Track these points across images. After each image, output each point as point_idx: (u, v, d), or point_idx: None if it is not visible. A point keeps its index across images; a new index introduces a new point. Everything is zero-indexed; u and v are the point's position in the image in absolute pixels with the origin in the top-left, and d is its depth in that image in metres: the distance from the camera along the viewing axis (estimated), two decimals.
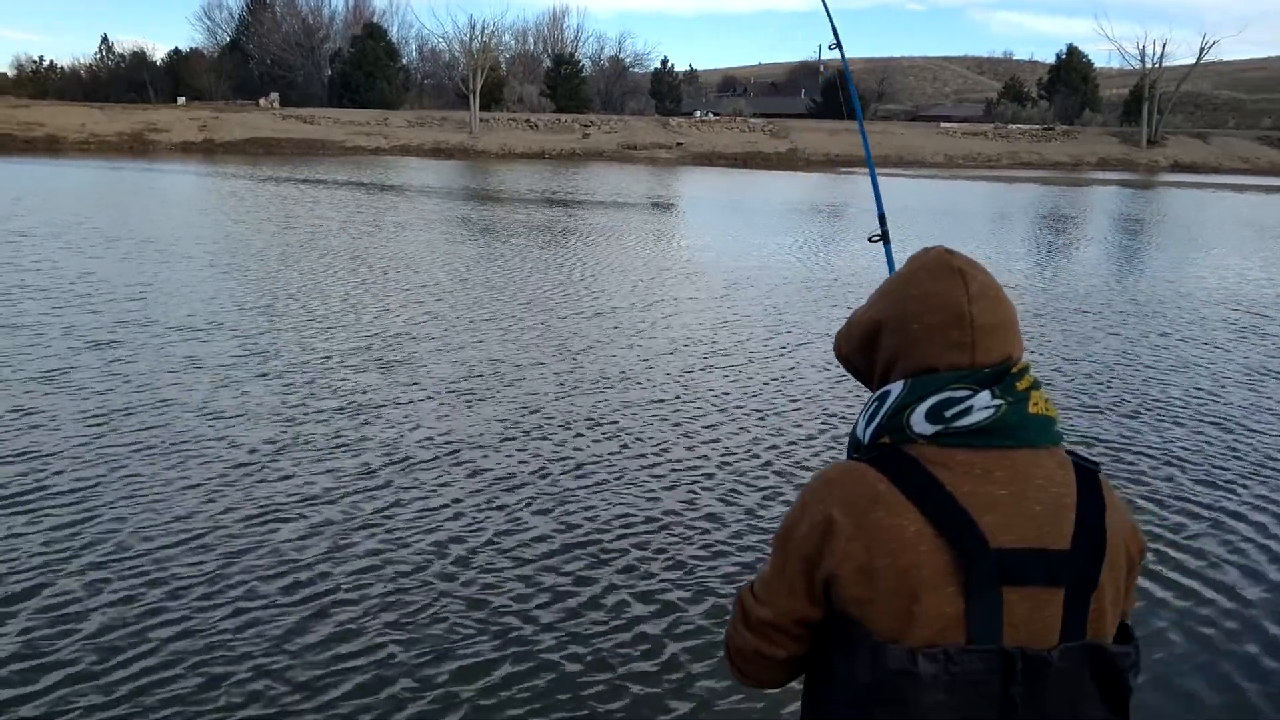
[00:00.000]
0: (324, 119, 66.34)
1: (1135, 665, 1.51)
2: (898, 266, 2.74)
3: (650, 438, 7.01)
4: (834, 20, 3.81)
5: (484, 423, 7.24)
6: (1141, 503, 5.99)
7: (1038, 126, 77.31)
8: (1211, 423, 7.73)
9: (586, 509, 5.68)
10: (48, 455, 6.24)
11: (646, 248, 18.20)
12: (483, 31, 74.84)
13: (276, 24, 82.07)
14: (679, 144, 67.52)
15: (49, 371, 8.22)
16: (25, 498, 5.53)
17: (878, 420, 1.55)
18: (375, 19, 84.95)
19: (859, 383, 1.72)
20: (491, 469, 6.29)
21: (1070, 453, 1.55)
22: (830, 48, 3.79)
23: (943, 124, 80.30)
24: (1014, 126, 77.36)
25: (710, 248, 18.18)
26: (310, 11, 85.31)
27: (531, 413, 7.50)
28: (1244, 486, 6.34)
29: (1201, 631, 4.52)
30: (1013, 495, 1.46)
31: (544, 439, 6.91)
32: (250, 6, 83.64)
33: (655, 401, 7.91)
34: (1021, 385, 1.50)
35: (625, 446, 6.83)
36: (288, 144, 60.68)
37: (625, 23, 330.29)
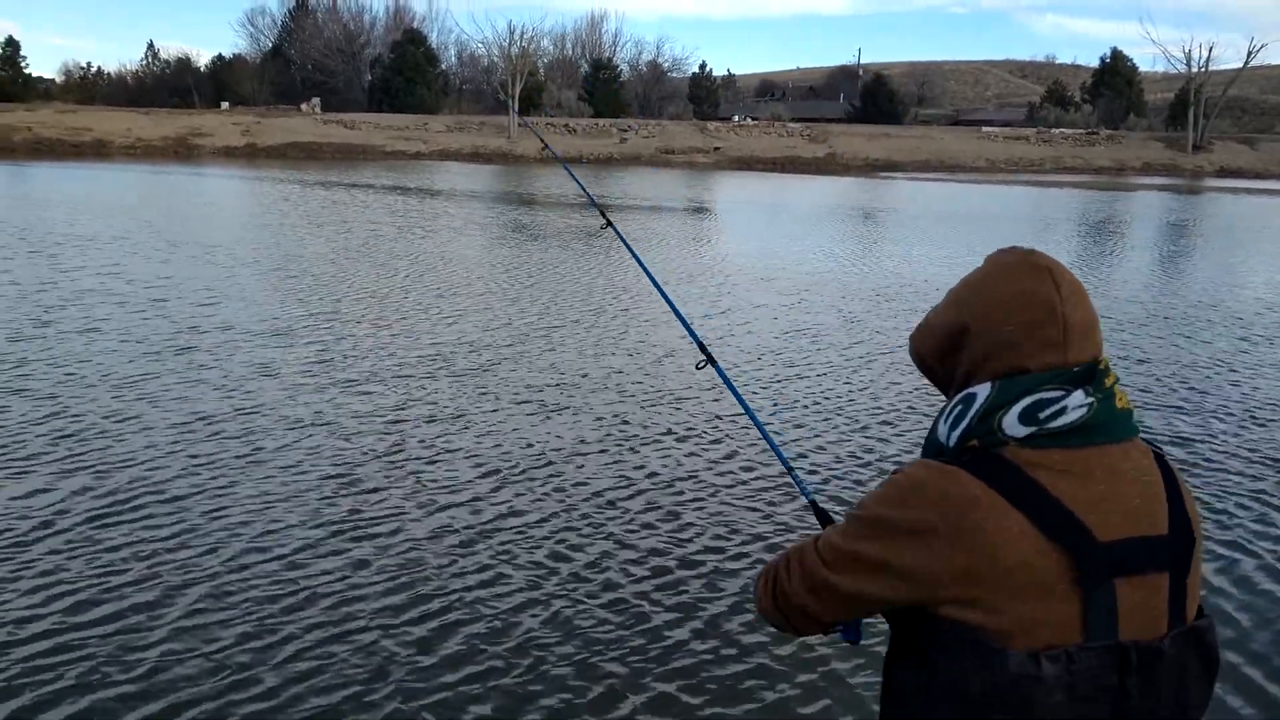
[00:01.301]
0: (364, 124, 66.96)
1: (1217, 635, 1.54)
2: (734, 382, 2.72)
3: (742, 453, 6.95)
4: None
5: (568, 432, 7.20)
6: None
7: (1081, 131, 76.53)
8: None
9: (688, 524, 5.63)
10: (143, 463, 6.27)
11: (705, 252, 18.17)
12: (521, 36, 75.33)
13: (318, 30, 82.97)
14: (717, 149, 67.47)
15: (136, 377, 8.28)
16: (122, 509, 5.52)
17: (965, 423, 1.52)
18: (415, 25, 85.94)
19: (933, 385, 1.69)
20: (585, 482, 6.24)
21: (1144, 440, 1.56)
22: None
23: (984, 128, 79.67)
24: (1057, 131, 76.63)
25: (773, 253, 18.08)
26: (351, 17, 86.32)
27: (622, 423, 7.44)
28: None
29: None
30: (1111, 490, 1.46)
31: (633, 451, 6.85)
32: (292, 13, 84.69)
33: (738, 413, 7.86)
34: (1108, 382, 1.50)
35: (721, 460, 6.77)
36: (329, 149, 61.28)
37: (664, 27, 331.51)
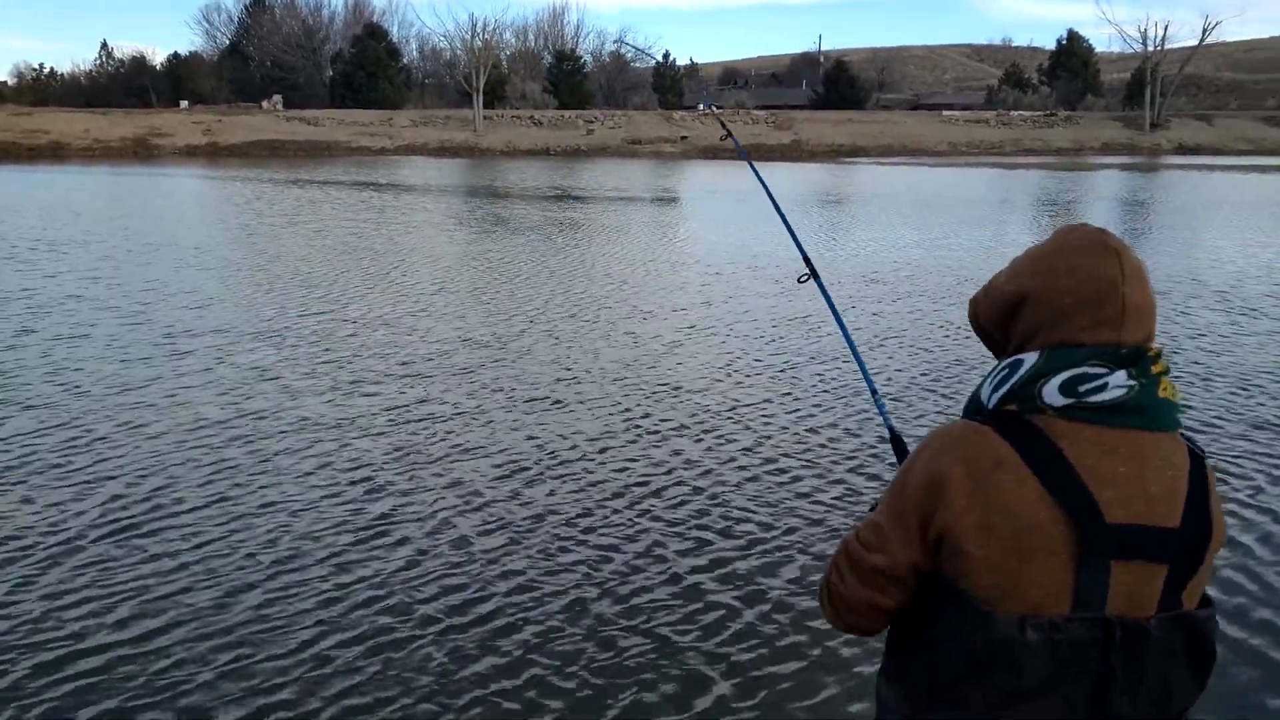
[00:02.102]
0: (328, 120, 66.32)
1: (1215, 629, 1.58)
2: (834, 299, 2.85)
3: (766, 445, 7.07)
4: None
5: (590, 422, 7.28)
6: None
7: (1040, 113, 77.26)
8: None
9: (734, 510, 5.74)
10: (158, 473, 6.28)
11: (697, 238, 18.28)
12: (484, 29, 74.86)
13: (276, 26, 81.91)
14: (683, 138, 67.49)
15: (138, 384, 8.26)
16: (146, 523, 5.53)
17: (1008, 387, 1.58)
18: (375, 19, 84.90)
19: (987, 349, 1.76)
20: (619, 469, 6.33)
21: (1184, 437, 1.60)
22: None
23: (945, 112, 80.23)
24: (1016, 113, 77.31)
25: (763, 241, 18.19)
26: (310, 13, 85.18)
27: (643, 414, 7.52)
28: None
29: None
30: (1132, 473, 1.50)
31: (662, 438, 6.96)
32: (249, 9, 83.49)
33: (750, 403, 7.97)
34: (1156, 369, 1.54)
35: (743, 452, 6.88)
36: (292, 146, 60.70)
37: (626, 18, 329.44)
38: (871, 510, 1.69)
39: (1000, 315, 1.67)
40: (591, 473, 6.18)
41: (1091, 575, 1.48)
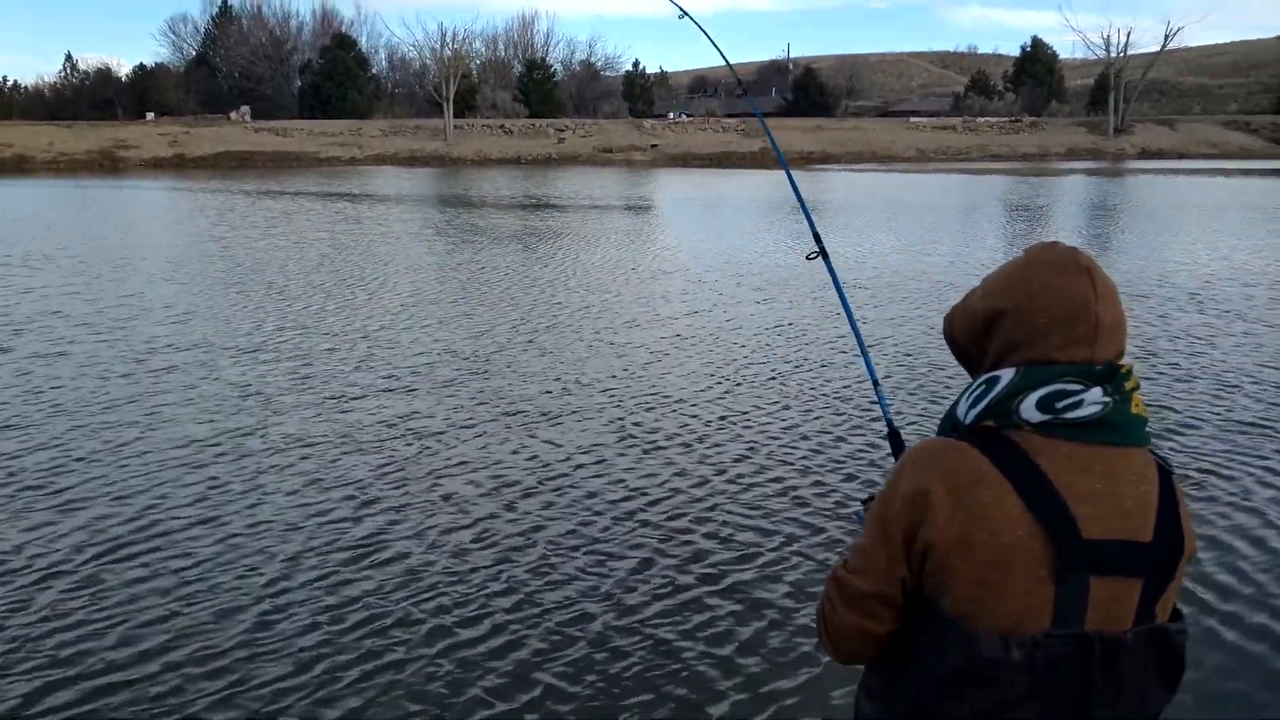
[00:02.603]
0: (297, 131, 65.97)
1: (1186, 642, 1.62)
2: (840, 279, 2.91)
3: (758, 452, 7.07)
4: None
5: (578, 435, 7.25)
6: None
7: (1006, 119, 78.08)
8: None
9: (721, 524, 5.74)
10: (146, 493, 6.20)
11: (676, 246, 18.28)
12: (453, 39, 74.76)
13: (243, 36, 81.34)
14: (654, 146, 67.70)
15: (123, 401, 8.16)
16: (129, 542, 5.48)
17: (985, 403, 1.59)
18: (344, 29, 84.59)
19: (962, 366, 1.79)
20: (599, 491, 6.30)
21: (1151, 452, 1.63)
22: (679, 18, 3.82)
23: (912, 119, 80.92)
24: (982, 119, 78.10)
25: (738, 249, 18.22)
26: (277, 23, 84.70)
27: (634, 424, 7.53)
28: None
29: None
30: (1107, 489, 1.53)
31: (649, 451, 6.95)
32: (215, 20, 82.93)
33: (730, 415, 7.98)
34: (1128, 385, 1.56)
35: (735, 462, 6.88)
36: (261, 157, 60.34)
37: (595, 26, 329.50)
38: (855, 539, 1.71)
39: (976, 332, 1.69)
40: (587, 485, 6.16)
41: (1070, 591, 1.50)
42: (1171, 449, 6.76)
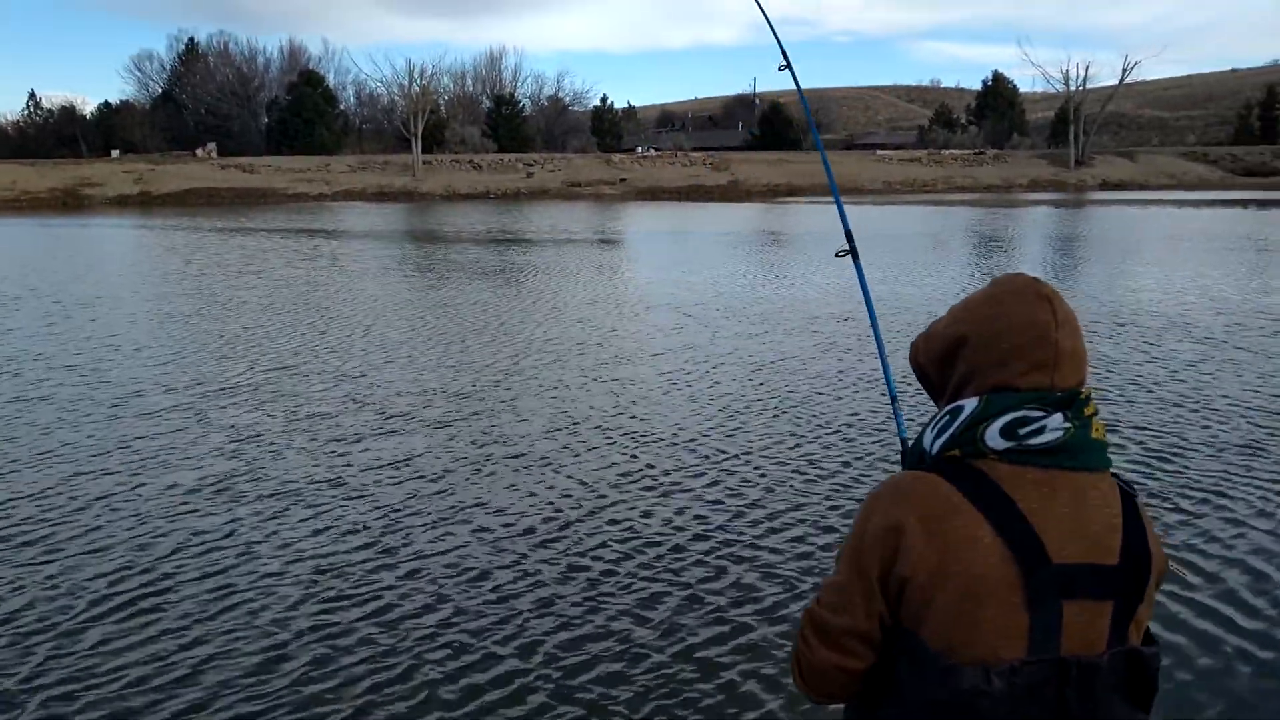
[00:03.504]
0: (264, 167, 65.74)
1: (1159, 665, 1.64)
2: (868, 281, 2.93)
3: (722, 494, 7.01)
4: (782, 43, 3.88)
5: (578, 481, 7.17)
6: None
7: (969, 151, 79.25)
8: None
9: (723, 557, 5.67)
10: (139, 544, 6.04)
11: (658, 278, 18.27)
12: (421, 75, 74.94)
13: (210, 74, 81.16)
14: (622, 180, 68.00)
15: (111, 448, 7.99)
16: (139, 598, 5.34)
17: (950, 433, 1.62)
18: (311, 65, 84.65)
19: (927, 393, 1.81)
20: (613, 534, 6.23)
21: (1114, 475, 1.66)
22: (780, 69, 3.80)
23: (879, 151, 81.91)
24: (947, 152, 79.22)
25: (725, 281, 18.23)
26: (244, 60, 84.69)
27: (648, 467, 7.44)
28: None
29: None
30: (1073, 514, 1.55)
31: (648, 496, 6.88)
32: (182, 57, 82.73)
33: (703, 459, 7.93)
34: (1088, 411, 1.59)
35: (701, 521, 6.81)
36: (228, 194, 60.00)
37: (563, 62, 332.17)
38: (828, 577, 1.71)
39: (940, 358, 1.72)
40: (600, 529, 6.06)
41: (1044, 616, 1.51)
42: (1164, 471, 6.79)
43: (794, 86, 3.73)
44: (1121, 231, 31.22)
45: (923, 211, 44.22)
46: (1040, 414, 1.56)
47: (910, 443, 2.25)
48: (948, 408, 1.65)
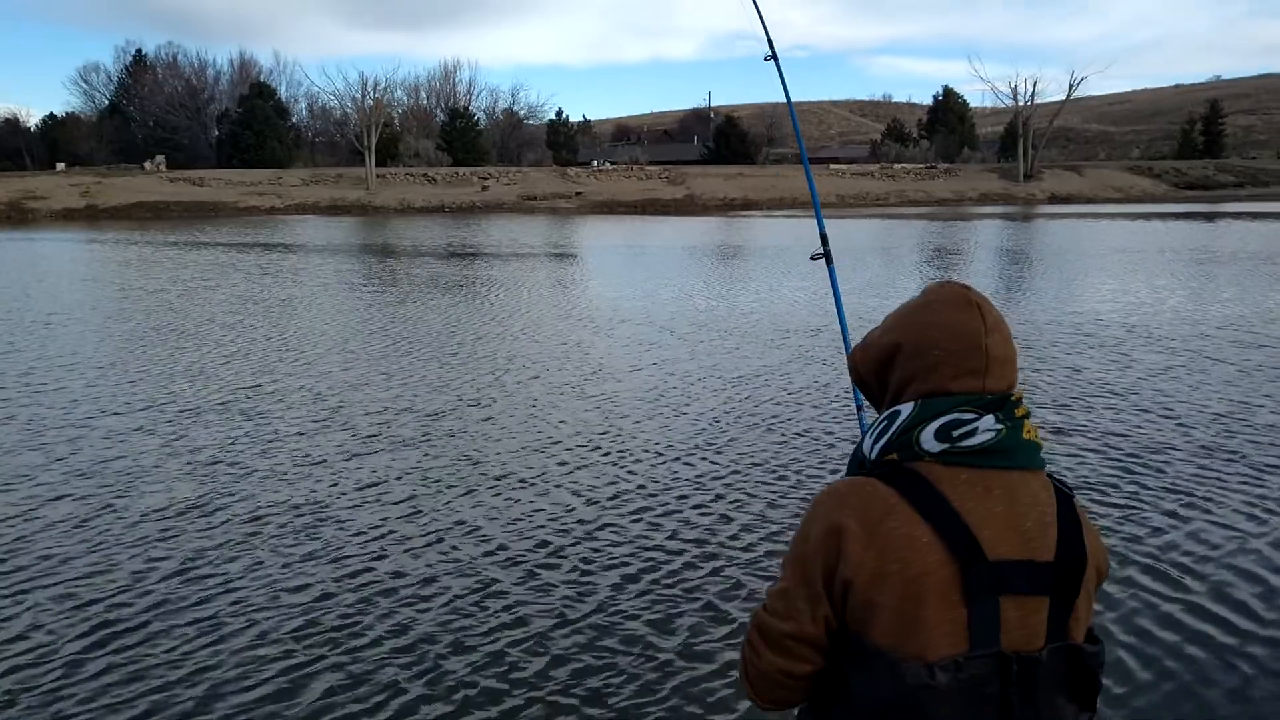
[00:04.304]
0: (214, 180, 64.91)
1: (1103, 663, 1.68)
2: (840, 284, 2.97)
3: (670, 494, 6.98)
4: (769, 31, 3.91)
5: (565, 501, 7.10)
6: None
7: (921, 165, 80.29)
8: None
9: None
10: (113, 571, 5.88)
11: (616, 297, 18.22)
12: (374, 88, 74.49)
13: (158, 86, 79.98)
14: (578, 193, 68.02)
15: (81, 472, 7.77)
16: (124, 630, 5.20)
17: (887, 438, 1.67)
18: (262, 78, 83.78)
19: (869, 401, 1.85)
20: (607, 555, 6.16)
21: (1050, 476, 1.70)
22: (766, 59, 3.84)
23: (832, 165, 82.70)
24: (899, 166, 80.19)
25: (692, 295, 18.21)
26: (194, 72, 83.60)
27: (639, 487, 7.38)
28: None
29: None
30: (1007, 512, 1.59)
31: (643, 516, 6.81)
32: (129, 69, 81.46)
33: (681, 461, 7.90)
34: (1019, 413, 1.65)
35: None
36: (177, 207, 59.14)
37: (518, 75, 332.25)
38: (772, 585, 1.73)
39: (877, 367, 1.76)
40: (595, 547, 5.99)
41: (982, 612, 1.55)
42: (1144, 475, 6.86)
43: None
44: (1071, 243, 31.74)
45: (876, 225, 44.68)
46: (972, 416, 1.61)
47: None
48: (886, 413, 1.70)
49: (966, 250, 30.60)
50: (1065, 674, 1.61)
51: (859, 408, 2.66)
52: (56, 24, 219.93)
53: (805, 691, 1.70)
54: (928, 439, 1.61)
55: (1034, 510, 1.61)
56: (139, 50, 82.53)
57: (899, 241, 34.05)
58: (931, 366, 1.65)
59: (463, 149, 77.41)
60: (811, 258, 3.23)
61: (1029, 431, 1.65)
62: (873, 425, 1.72)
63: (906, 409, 1.66)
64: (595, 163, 78.87)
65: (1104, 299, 17.44)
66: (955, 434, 1.60)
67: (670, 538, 6.12)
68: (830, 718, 1.67)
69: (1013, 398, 1.65)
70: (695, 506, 6.70)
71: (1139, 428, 8.63)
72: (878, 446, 1.68)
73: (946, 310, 1.67)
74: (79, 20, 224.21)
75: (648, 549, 5.95)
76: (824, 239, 3.03)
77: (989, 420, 1.60)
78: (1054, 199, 71.26)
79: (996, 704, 1.55)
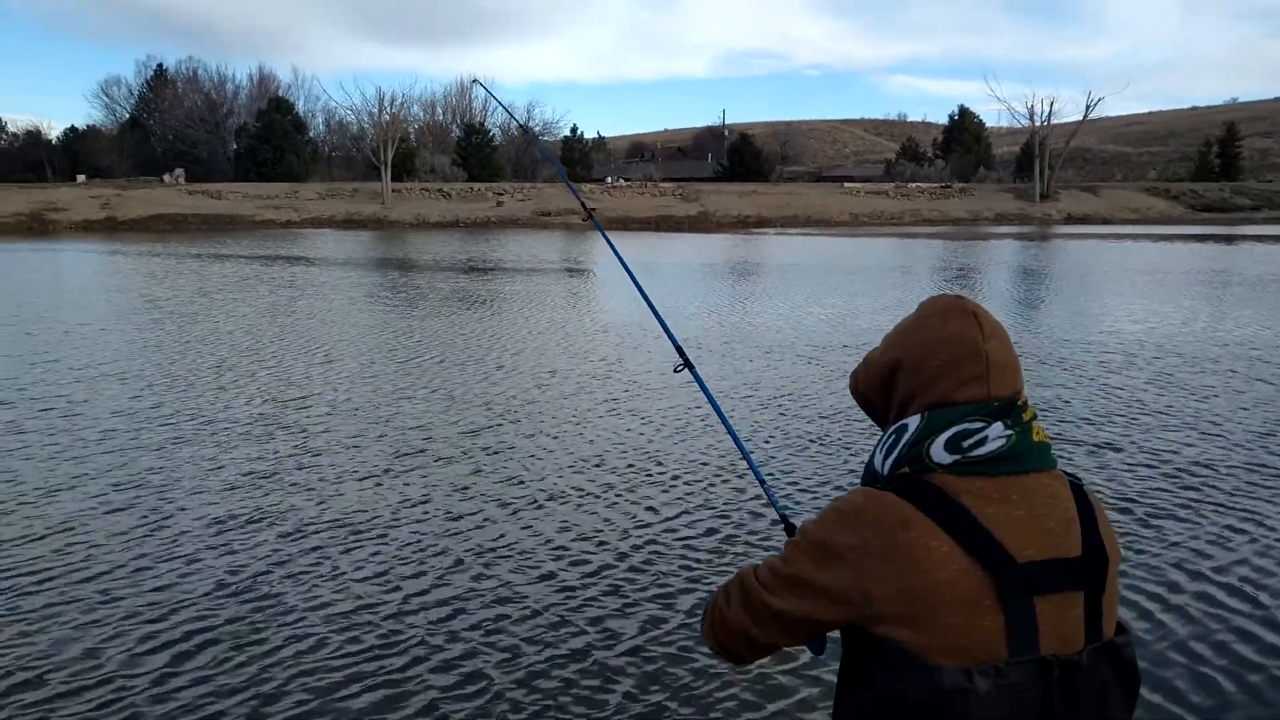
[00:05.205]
0: (232, 193, 65.30)
1: (1135, 654, 1.67)
2: (709, 387, 2.91)
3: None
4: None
5: (596, 525, 7.07)
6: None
7: (936, 185, 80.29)
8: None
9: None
10: (143, 592, 5.87)
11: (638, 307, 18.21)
12: (391, 103, 74.89)
13: (178, 99, 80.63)
14: (592, 210, 68.05)
15: (116, 487, 7.78)
16: (178, 642, 5.19)
17: (897, 452, 1.66)
18: (281, 93, 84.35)
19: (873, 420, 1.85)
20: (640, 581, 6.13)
21: (1064, 472, 1.70)
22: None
23: (846, 184, 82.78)
24: (914, 185, 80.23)
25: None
26: (214, 86, 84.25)
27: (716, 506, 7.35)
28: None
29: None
30: (1028, 515, 1.59)
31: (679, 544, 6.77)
32: (150, 83, 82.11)
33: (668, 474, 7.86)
34: (1026, 416, 1.64)
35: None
36: (195, 220, 59.52)
37: (533, 92, 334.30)
38: (773, 554, 1.74)
39: (879, 384, 1.77)
40: (643, 566, 5.96)
41: (1019, 616, 1.54)
42: (1195, 490, 6.81)
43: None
44: (1095, 264, 31.66)
45: (891, 244, 44.63)
46: (980, 425, 1.60)
47: (788, 517, 2.32)
48: (894, 427, 1.70)
49: (987, 269, 30.55)
50: (1109, 673, 1.60)
51: (761, 481, 2.56)
52: (80, 39, 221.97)
53: (753, 655, 1.76)
54: (938, 451, 1.61)
55: (1054, 509, 1.61)
56: (160, 65, 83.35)
57: (916, 260, 34.01)
58: (933, 378, 1.65)
59: (478, 164, 77.73)
60: (675, 370, 3.12)
61: (1038, 434, 1.65)
62: (881, 440, 1.72)
63: (913, 422, 1.66)
64: (609, 179, 79.07)
65: (1138, 319, 17.36)
66: (965, 444, 1.60)
67: (737, 558, 6.08)
68: (861, 711, 1.65)
69: (1019, 402, 1.65)
70: (753, 532, 6.65)
71: (1188, 444, 8.64)
72: (889, 461, 1.68)
73: (942, 321, 1.68)
74: (102, 35, 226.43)
75: (713, 570, 5.91)
76: (680, 350, 3.01)
77: (998, 428, 1.60)
78: (1070, 219, 71.18)
79: (1039, 708, 1.53)
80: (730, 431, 2.73)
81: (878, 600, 1.56)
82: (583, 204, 3.72)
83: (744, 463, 8.10)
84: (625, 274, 3.42)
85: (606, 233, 3.62)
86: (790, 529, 2.26)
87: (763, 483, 2.54)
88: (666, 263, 32.81)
